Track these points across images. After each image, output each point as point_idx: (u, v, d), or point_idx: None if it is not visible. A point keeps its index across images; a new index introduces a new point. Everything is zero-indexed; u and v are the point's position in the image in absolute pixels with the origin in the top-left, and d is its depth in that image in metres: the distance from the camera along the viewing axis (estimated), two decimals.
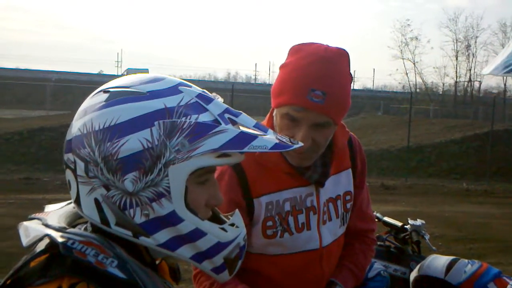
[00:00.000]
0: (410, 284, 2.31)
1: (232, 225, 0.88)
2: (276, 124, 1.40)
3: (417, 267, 2.29)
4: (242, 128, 0.81)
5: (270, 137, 0.82)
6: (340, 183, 1.52)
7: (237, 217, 0.90)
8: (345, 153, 1.54)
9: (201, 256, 0.84)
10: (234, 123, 0.82)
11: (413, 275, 2.29)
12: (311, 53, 1.32)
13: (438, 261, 2.21)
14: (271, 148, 0.80)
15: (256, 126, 0.84)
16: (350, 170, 1.55)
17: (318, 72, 1.29)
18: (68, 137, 0.82)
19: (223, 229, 0.85)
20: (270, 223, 1.43)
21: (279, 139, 0.82)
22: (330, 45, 1.38)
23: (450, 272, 2.12)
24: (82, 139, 0.79)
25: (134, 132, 0.76)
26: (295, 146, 0.83)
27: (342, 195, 1.53)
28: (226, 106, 0.84)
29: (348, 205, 1.55)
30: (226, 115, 0.82)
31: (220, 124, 0.79)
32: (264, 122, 1.47)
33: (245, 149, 0.78)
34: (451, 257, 2.23)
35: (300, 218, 1.45)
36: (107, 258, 0.76)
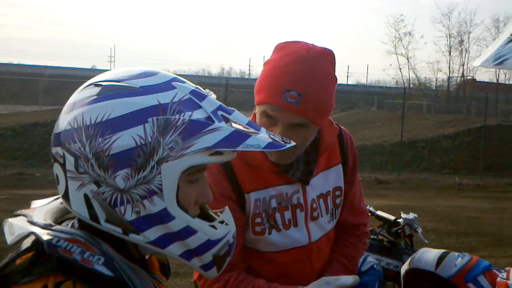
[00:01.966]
0: (401, 277, 2.33)
1: (222, 222, 0.87)
2: (257, 121, 1.39)
3: (408, 260, 2.30)
4: (235, 126, 0.80)
5: (263, 136, 0.81)
6: (329, 179, 1.52)
7: (226, 214, 0.90)
8: (335, 148, 1.53)
9: (191, 253, 0.84)
10: (227, 120, 0.81)
11: (404, 268, 2.31)
12: (292, 52, 1.30)
13: (428, 254, 2.22)
14: (264, 147, 0.79)
15: (249, 124, 0.83)
16: (340, 166, 1.54)
17: (295, 72, 1.27)
18: (56, 130, 0.81)
19: (213, 226, 0.85)
20: (258, 220, 1.43)
21: (272, 138, 0.82)
22: (316, 44, 1.35)
23: (441, 265, 2.14)
24: (72, 133, 0.77)
25: (127, 128, 0.75)
26: (288, 145, 0.82)
27: (332, 190, 1.53)
28: (219, 103, 0.83)
29: (338, 201, 1.55)
30: (220, 112, 0.81)
31: (214, 121, 0.79)
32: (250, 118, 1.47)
33: (239, 148, 0.78)
34: (442, 250, 2.25)
35: (286, 214, 1.45)
36: (93, 255, 0.76)
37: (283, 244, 1.46)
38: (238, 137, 0.79)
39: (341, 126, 1.58)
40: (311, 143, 1.42)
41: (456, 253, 2.19)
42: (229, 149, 0.79)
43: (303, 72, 1.27)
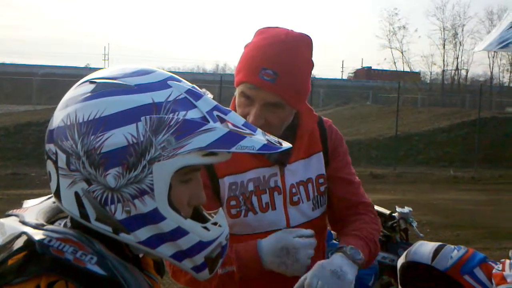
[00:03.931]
0: (397, 270, 2.34)
1: (215, 224, 0.86)
2: (236, 102, 1.45)
3: (404, 253, 2.30)
4: (230, 127, 0.79)
5: (259, 138, 0.80)
6: (311, 166, 1.53)
7: (220, 216, 0.89)
8: (315, 136, 1.55)
9: (182, 254, 0.82)
10: (222, 120, 0.80)
11: (400, 261, 2.31)
12: (271, 35, 1.37)
13: (424, 247, 2.22)
14: (259, 149, 0.78)
15: (245, 125, 0.82)
16: (321, 154, 1.56)
17: (272, 52, 1.33)
18: (50, 127, 0.80)
19: (205, 228, 0.84)
20: (233, 202, 1.45)
21: (267, 140, 0.81)
22: (294, 30, 1.42)
23: (437, 258, 2.14)
24: (65, 130, 0.77)
25: (120, 127, 0.74)
26: (284, 147, 0.82)
27: (315, 178, 1.53)
28: (215, 103, 0.82)
29: (322, 188, 1.55)
30: (215, 113, 0.80)
31: (209, 121, 0.78)
32: (231, 105, 1.49)
33: (233, 149, 0.77)
34: (438, 243, 2.25)
35: (264, 198, 1.46)
36: (86, 254, 0.75)
37: (259, 226, 1.46)
38: (232, 138, 0.77)
39: (323, 117, 1.61)
40: (289, 127, 1.46)
41: (452, 246, 2.19)
42: (222, 150, 0.78)
43: (280, 53, 1.34)
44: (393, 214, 3.56)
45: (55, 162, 0.78)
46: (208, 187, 1.41)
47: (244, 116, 1.37)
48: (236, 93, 1.43)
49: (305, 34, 1.41)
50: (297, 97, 1.38)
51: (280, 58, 1.33)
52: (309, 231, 1.37)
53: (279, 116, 1.38)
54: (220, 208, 0.91)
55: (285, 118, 1.41)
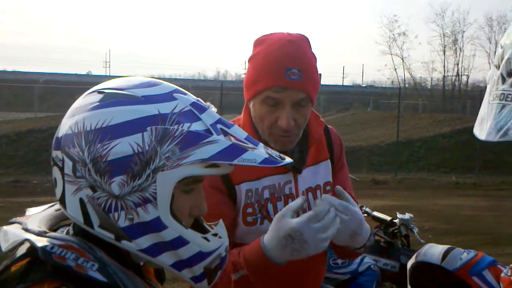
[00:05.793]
0: (407, 271, 2.34)
1: (215, 235, 0.88)
2: (255, 115, 1.44)
3: (414, 255, 2.32)
4: (233, 140, 0.81)
5: (260, 151, 0.82)
6: (319, 173, 1.55)
7: (220, 227, 0.90)
8: (323, 144, 1.58)
9: (182, 264, 0.84)
10: (226, 134, 0.82)
11: (410, 262, 2.33)
12: (277, 39, 1.41)
13: (434, 249, 2.24)
14: (261, 163, 0.80)
15: (247, 139, 0.84)
16: (329, 161, 1.58)
17: (290, 52, 1.37)
18: (57, 134, 0.82)
19: (205, 238, 0.85)
20: (249, 209, 1.45)
21: (269, 154, 0.83)
22: (290, 32, 1.47)
23: (446, 258, 2.15)
24: (72, 138, 0.78)
25: (126, 136, 0.76)
26: (284, 162, 0.83)
27: (322, 185, 1.55)
28: (219, 116, 0.84)
29: None
30: (219, 126, 0.82)
31: (212, 134, 0.80)
32: (240, 118, 1.50)
33: (235, 162, 0.79)
34: (447, 246, 2.27)
35: (279, 205, 1.47)
36: (87, 261, 0.76)
37: None
38: (235, 150, 0.79)
39: (328, 125, 1.64)
40: (302, 134, 1.47)
41: (462, 249, 2.21)
42: (224, 162, 0.80)
43: (296, 51, 1.38)
44: (394, 221, 3.56)
45: (61, 169, 0.80)
46: (224, 193, 1.43)
47: (272, 123, 1.39)
48: (256, 102, 1.42)
49: (303, 34, 1.46)
50: (316, 90, 1.43)
51: (297, 55, 1.38)
52: (300, 201, 1.32)
53: (304, 114, 1.42)
54: (221, 220, 0.92)
55: (308, 115, 1.45)
